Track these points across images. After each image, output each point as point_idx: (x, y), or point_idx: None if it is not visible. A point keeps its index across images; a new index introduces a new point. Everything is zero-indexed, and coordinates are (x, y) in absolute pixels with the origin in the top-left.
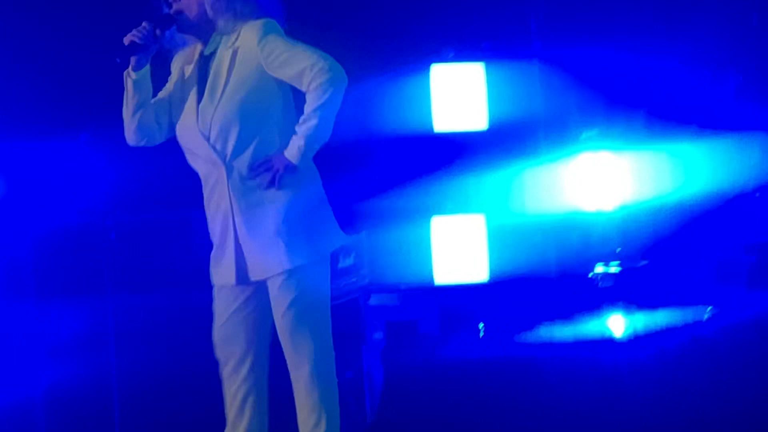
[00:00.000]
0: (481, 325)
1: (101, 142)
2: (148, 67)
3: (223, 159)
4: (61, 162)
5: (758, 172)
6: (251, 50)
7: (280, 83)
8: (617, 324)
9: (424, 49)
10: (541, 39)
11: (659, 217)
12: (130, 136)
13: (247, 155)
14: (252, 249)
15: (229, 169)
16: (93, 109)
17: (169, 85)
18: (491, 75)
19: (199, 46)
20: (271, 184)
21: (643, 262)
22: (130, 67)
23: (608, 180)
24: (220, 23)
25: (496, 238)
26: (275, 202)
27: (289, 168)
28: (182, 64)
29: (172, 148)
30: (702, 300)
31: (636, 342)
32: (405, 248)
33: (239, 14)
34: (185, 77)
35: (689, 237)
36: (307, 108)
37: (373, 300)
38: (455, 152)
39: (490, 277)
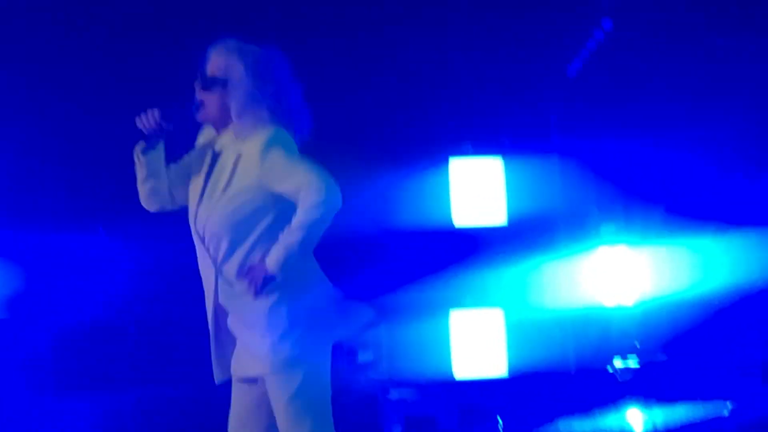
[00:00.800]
0: (500, 420)
1: (120, 234)
2: (160, 146)
3: (214, 263)
4: (81, 255)
5: None
6: (253, 161)
7: (277, 196)
8: (636, 419)
9: (443, 142)
10: (559, 133)
11: (678, 311)
12: (142, 201)
13: (235, 261)
14: (240, 348)
15: (218, 273)
16: (112, 202)
17: (189, 158)
18: (510, 169)
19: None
20: (255, 293)
21: (663, 357)
22: (139, 149)
23: (627, 274)
24: (236, 124)
25: (515, 333)
26: (261, 305)
27: (268, 278)
28: (204, 141)
29: (189, 241)
30: (722, 395)
31: None
32: (424, 342)
33: (258, 120)
34: (200, 160)
35: (709, 332)
36: (295, 221)
37: (393, 394)
38: (474, 246)
39: (509, 371)
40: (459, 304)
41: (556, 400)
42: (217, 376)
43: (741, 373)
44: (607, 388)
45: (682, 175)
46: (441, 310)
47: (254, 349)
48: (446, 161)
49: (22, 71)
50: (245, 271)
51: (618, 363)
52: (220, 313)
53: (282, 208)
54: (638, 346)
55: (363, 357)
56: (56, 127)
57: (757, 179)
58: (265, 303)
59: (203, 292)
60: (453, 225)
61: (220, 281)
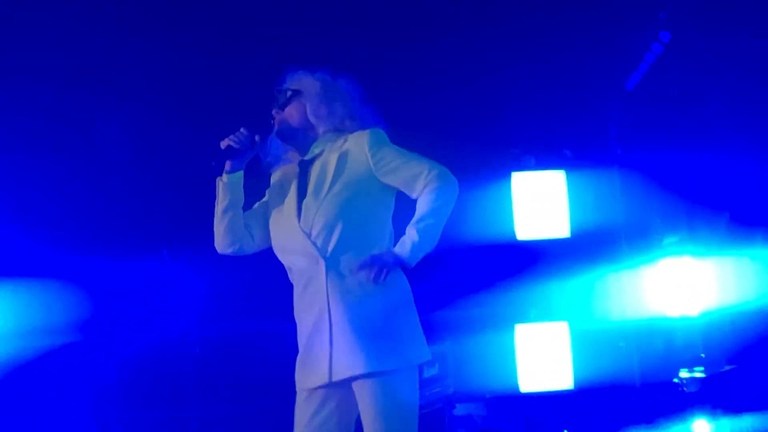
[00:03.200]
0: None
1: (183, 257)
2: (241, 174)
3: (324, 254)
4: (145, 278)
5: None
6: (361, 155)
7: (386, 188)
8: (703, 430)
9: (506, 157)
10: (621, 145)
11: (743, 321)
12: (219, 241)
13: (348, 253)
14: (343, 347)
15: (329, 265)
16: (175, 226)
17: (266, 198)
18: (572, 182)
19: (297, 159)
20: (377, 278)
21: (728, 367)
22: (224, 172)
23: (691, 285)
24: (321, 131)
25: (580, 345)
26: (372, 302)
27: (398, 262)
28: (280, 175)
29: (251, 262)
30: None
31: None
32: (489, 357)
33: (339, 124)
34: (283, 185)
35: None
36: (422, 209)
37: (459, 409)
38: (538, 260)
39: (575, 384)
40: (524, 318)
41: (622, 412)
42: (310, 382)
43: None
44: (674, 399)
45: (745, 185)
46: (506, 324)
47: (355, 348)
48: (509, 175)
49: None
50: (369, 261)
51: (684, 374)
52: (321, 310)
53: (389, 200)
54: (704, 357)
55: (428, 372)
56: (126, 156)
57: None
58: (373, 302)
59: (270, 310)
60: (516, 238)
61: (329, 275)
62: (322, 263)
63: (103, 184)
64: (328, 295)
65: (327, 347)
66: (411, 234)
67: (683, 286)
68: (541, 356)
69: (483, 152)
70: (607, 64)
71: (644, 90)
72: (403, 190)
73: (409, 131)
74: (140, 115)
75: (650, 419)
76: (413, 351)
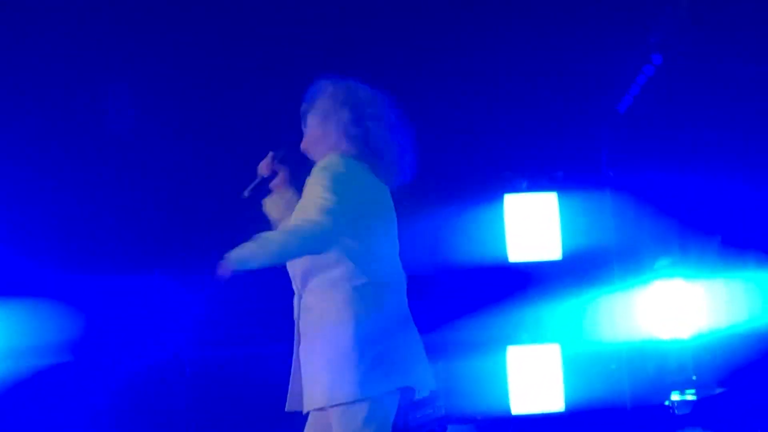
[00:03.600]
0: None
1: (174, 276)
2: (275, 194)
3: (296, 289)
4: (137, 297)
5: None
6: None
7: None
8: None
9: (498, 179)
10: (613, 168)
11: (735, 344)
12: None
13: (310, 285)
14: (307, 377)
15: (300, 298)
16: (166, 244)
17: None
18: (564, 204)
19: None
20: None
21: (720, 390)
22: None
23: (683, 308)
24: (312, 150)
25: (572, 368)
26: (335, 334)
27: (222, 275)
28: None
29: (243, 284)
30: None
31: None
32: (481, 378)
33: (334, 147)
34: None
35: (766, 364)
36: (272, 232)
37: (450, 431)
38: (530, 282)
39: (566, 406)
40: (516, 339)
41: None
42: (288, 406)
43: None
44: (665, 422)
45: (737, 207)
46: (498, 345)
47: (321, 379)
48: (501, 198)
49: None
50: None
51: (675, 396)
52: (296, 342)
53: (354, 235)
54: (695, 379)
55: (420, 393)
56: (116, 172)
57: None
58: (338, 332)
59: (259, 334)
60: (508, 260)
61: (302, 306)
62: (297, 297)
63: (95, 200)
64: (298, 329)
65: (295, 379)
66: (238, 249)
67: (675, 308)
68: (533, 378)
69: (476, 175)
70: (599, 87)
71: (636, 112)
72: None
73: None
74: (129, 139)
75: None
76: (372, 381)
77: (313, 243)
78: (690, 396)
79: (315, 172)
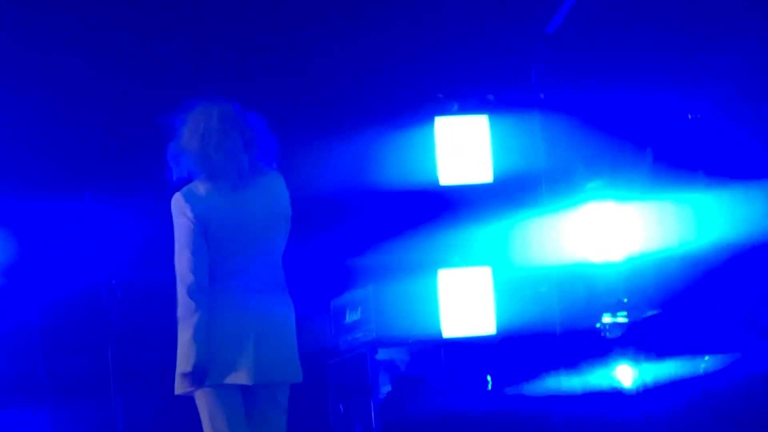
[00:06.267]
0: (489, 378)
1: (105, 200)
2: None
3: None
4: (66, 221)
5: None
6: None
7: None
8: (625, 374)
9: (429, 102)
10: (543, 90)
11: (666, 266)
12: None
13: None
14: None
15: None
16: (96, 167)
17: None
18: (495, 127)
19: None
20: None
21: (651, 312)
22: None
23: (614, 230)
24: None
25: (503, 290)
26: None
27: None
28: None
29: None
30: (710, 350)
31: (645, 393)
32: (412, 302)
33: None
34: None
35: (697, 286)
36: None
37: (381, 354)
38: (461, 204)
39: (498, 329)
40: (447, 263)
41: (544, 357)
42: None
43: (729, 327)
44: (596, 344)
45: (669, 128)
46: (429, 268)
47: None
48: (432, 120)
49: None
50: None
51: (607, 319)
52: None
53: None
54: (626, 302)
55: (351, 317)
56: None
57: (746, 130)
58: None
59: None
60: (439, 183)
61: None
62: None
63: (24, 123)
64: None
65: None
66: None
67: (606, 230)
68: (464, 301)
69: (406, 97)
70: (527, 8)
71: (565, 33)
72: None
73: (331, 75)
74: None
75: (572, 364)
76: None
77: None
78: (621, 318)
79: None
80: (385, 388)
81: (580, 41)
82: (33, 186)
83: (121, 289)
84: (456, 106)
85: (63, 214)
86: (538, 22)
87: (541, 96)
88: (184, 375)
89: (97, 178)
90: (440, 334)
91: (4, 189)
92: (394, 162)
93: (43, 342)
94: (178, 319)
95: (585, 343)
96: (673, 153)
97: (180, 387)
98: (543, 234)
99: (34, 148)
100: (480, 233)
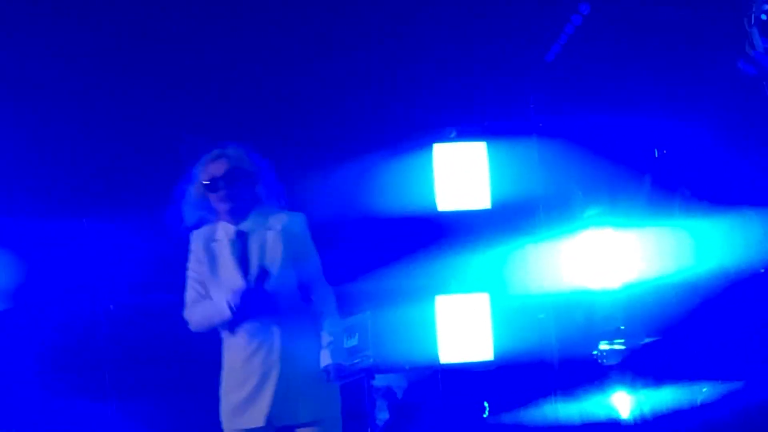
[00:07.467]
0: (486, 405)
1: (103, 225)
2: None
3: None
4: (66, 244)
5: (764, 248)
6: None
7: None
8: (622, 402)
9: (427, 128)
10: (541, 117)
11: (664, 294)
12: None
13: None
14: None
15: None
16: (95, 194)
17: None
18: (494, 153)
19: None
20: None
21: (648, 339)
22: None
23: (612, 257)
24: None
25: (501, 317)
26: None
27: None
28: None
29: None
30: (708, 378)
31: (642, 422)
32: (409, 328)
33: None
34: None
35: (694, 314)
36: None
37: (378, 381)
38: (459, 231)
39: (495, 355)
40: (445, 289)
41: (541, 384)
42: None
43: (727, 355)
44: (593, 371)
45: (666, 156)
46: (427, 295)
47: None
48: (430, 147)
49: None
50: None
51: (604, 346)
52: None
53: None
54: (623, 329)
55: (348, 342)
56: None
57: (742, 158)
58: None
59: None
60: (437, 209)
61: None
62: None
63: (23, 146)
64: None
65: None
66: None
67: (604, 257)
68: (461, 328)
69: (405, 124)
70: (527, 37)
71: (563, 61)
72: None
73: (330, 102)
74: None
75: (569, 391)
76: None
77: None
78: (618, 346)
79: None
80: (382, 415)
81: (578, 69)
82: (31, 209)
83: (118, 312)
84: (454, 133)
85: (62, 238)
86: (537, 50)
87: (540, 123)
88: None
89: (96, 201)
90: (437, 360)
91: (2, 212)
92: (393, 188)
93: (42, 365)
94: None
95: (582, 371)
96: (671, 181)
97: None
98: (541, 261)
99: (33, 171)
100: (478, 260)
